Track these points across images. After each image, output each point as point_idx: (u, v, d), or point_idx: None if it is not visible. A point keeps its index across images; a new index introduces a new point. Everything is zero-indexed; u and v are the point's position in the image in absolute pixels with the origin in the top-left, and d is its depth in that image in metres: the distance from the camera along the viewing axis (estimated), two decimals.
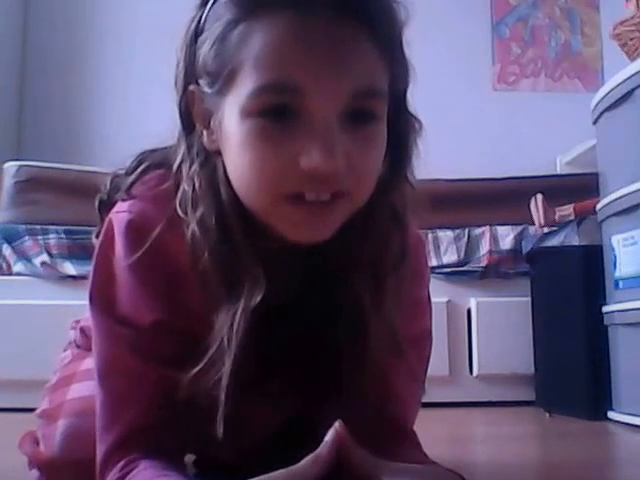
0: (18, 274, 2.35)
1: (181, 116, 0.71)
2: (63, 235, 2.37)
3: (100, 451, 0.69)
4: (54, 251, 2.36)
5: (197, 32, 0.68)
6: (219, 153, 0.68)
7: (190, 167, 0.69)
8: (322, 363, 0.73)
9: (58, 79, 3.18)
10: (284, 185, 0.62)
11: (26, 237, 2.38)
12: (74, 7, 3.23)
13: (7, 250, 2.37)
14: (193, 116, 0.70)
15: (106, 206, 0.76)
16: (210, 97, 0.67)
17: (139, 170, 0.76)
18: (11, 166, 2.51)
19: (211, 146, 0.68)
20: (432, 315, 0.86)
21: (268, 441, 0.88)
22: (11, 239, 2.38)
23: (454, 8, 3.26)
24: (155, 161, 0.76)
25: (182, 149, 0.71)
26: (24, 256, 2.37)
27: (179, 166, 0.71)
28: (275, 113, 0.61)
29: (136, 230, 0.70)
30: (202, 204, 0.68)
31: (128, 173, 0.76)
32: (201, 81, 0.67)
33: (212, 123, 0.68)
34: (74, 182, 2.40)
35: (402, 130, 0.71)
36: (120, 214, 0.72)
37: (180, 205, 0.69)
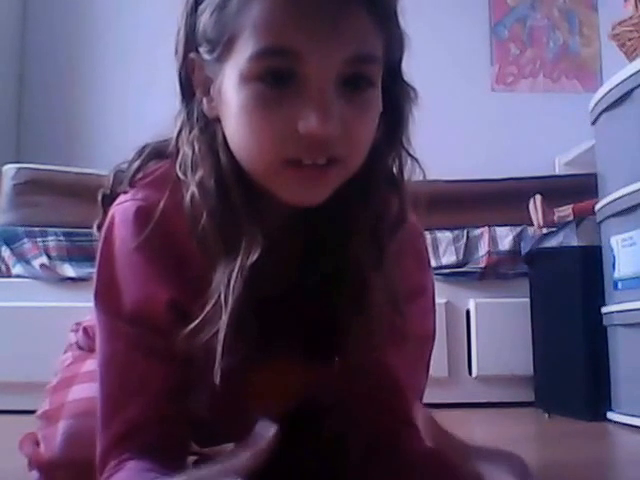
0: (17, 276, 2.35)
1: (181, 83, 0.72)
2: (62, 237, 2.37)
3: (98, 448, 0.69)
4: (53, 253, 2.36)
5: (197, 0, 0.69)
6: (219, 120, 0.69)
7: (190, 132, 0.71)
8: (323, 328, 0.74)
9: (57, 81, 3.19)
10: (283, 150, 0.64)
11: (25, 239, 2.38)
12: (73, 10, 3.24)
13: (6, 252, 2.37)
14: (193, 83, 0.71)
15: (109, 200, 0.76)
16: (210, 64, 0.68)
17: (140, 160, 0.77)
18: (10, 168, 2.51)
19: (211, 113, 0.70)
20: (434, 308, 0.86)
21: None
22: (10, 241, 2.38)
23: (452, 9, 3.27)
24: (156, 151, 0.77)
25: (182, 116, 0.72)
26: (23, 258, 2.37)
27: (179, 133, 0.72)
28: (273, 78, 0.63)
29: (145, 215, 0.71)
30: (202, 167, 0.69)
31: (130, 165, 0.77)
32: (201, 49, 0.69)
33: (212, 90, 0.69)
34: (73, 184, 2.41)
35: (397, 98, 0.72)
36: (123, 204, 0.73)
37: (180, 168, 0.70)
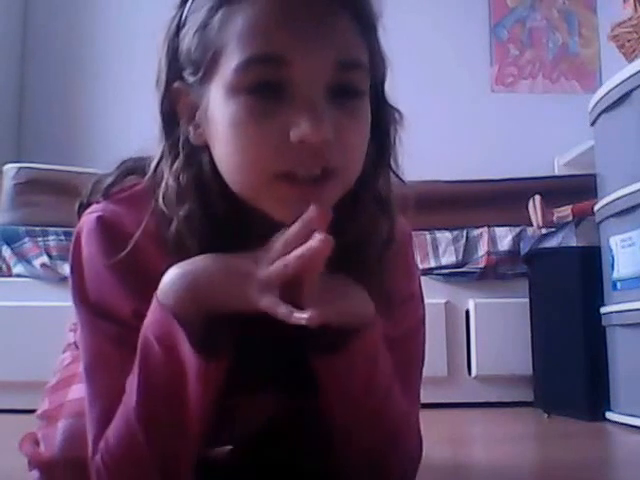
0: (18, 276, 2.35)
1: (163, 115, 0.71)
2: (63, 237, 2.37)
3: (89, 446, 0.70)
4: (54, 253, 2.36)
5: (179, 27, 0.69)
6: (205, 147, 0.69)
7: (173, 163, 0.70)
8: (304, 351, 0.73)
9: (58, 81, 3.19)
10: (276, 163, 0.63)
11: (26, 239, 2.38)
12: (74, 10, 3.24)
13: (7, 252, 2.37)
14: (177, 113, 0.70)
15: (84, 209, 0.77)
16: (195, 87, 0.68)
17: (117, 174, 0.77)
18: (11, 168, 2.51)
19: (197, 140, 0.69)
20: (425, 308, 0.86)
21: (259, 434, 0.89)
22: (11, 241, 2.38)
23: (452, 10, 3.27)
24: (135, 166, 0.77)
25: (162, 147, 0.71)
26: (24, 258, 2.37)
27: (157, 164, 0.71)
28: (261, 88, 0.62)
29: (106, 227, 0.71)
30: (188, 200, 0.68)
31: (106, 177, 0.78)
32: (185, 73, 0.69)
33: (197, 115, 0.68)
34: (74, 184, 2.40)
35: (383, 121, 0.72)
36: (91, 215, 0.74)
37: (163, 200, 0.69)
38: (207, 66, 0.66)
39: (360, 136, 0.67)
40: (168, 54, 0.70)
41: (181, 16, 0.70)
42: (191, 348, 0.63)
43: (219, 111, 0.65)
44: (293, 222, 0.65)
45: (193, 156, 0.69)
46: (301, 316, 0.59)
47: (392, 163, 0.74)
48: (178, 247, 0.68)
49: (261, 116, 0.62)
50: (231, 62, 0.63)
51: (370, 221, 0.73)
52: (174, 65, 0.70)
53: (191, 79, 0.68)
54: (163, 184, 0.70)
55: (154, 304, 0.65)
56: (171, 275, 0.65)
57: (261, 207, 0.67)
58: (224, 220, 0.68)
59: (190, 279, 0.64)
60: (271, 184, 0.64)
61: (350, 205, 0.70)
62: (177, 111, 0.70)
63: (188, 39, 0.67)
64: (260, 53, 0.62)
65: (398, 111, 0.74)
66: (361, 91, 0.66)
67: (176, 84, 0.70)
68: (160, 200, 0.69)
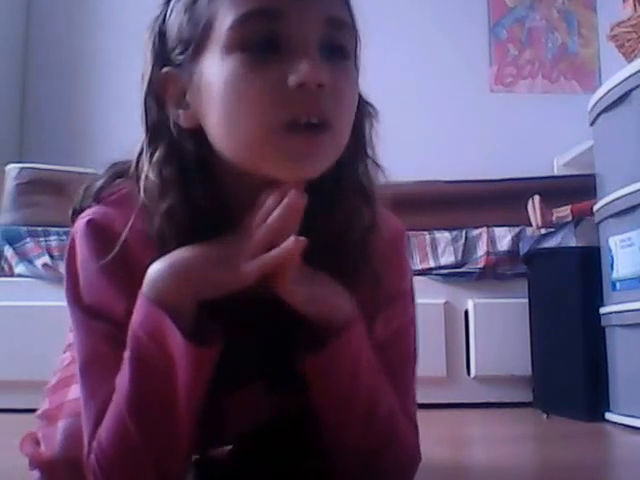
0: (19, 276, 2.36)
1: (147, 107, 0.73)
2: (64, 237, 2.37)
3: (85, 446, 0.70)
4: (55, 253, 2.37)
5: (164, 20, 0.71)
6: (192, 133, 0.69)
7: (153, 156, 0.70)
8: (292, 345, 0.73)
9: (60, 81, 3.19)
10: (275, 110, 0.64)
11: (27, 239, 2.39)
12: (77, 8, 3.24)
13: (9, 252, 2.38)
14: (166, 102, 0.71)
15: (77, 214, 0.78)
16: (185, 66, 0.69)
17: (106, 177, 0.78)
18: (13, 168, 2.52)
19: (188, 122, 0.70)
20: (415, 308, 0.87)
21: (258, 434, 0.89)
22: (13, 241, 2.39)
23: (451, 10, 3.27)
24: (123, 169, 0.78)
25: (145, 139, 0.72)
26: (25, 258, 2.37)
27: (137, 160, 0.72)
28: (257, 42, 0.64)
29: (96, 230, 0.72)
30: (170, 193, 0.69)
31: (95, 182, 0.79)
32: (173, 55, 0.70)
33: (188, 95, 0.69)
34: (76, 184, 2.40)
35: (357, 117, 0.73)
36: (82, 219, 0.75)
37: (145, 193, 0.70)
38: (199, 37, 0.67)
39: (352, 92, 0.69)
40: (154, 46, 0.72)
41: (165, 14, 0.71)
42: (181, 336, 0.64)
43: (215, 74, 0.66)
44: (292, 179, 0.67)
45: (175, 147, 0.70)
46: (290, 242, 0.62)
47: (369, 151, 0.76)
48: (161, 243, 0.69)
49: (258, 68, 0.64)
50: (225, 23, 0.64)
51: (352, 209, 0.74)
52: (161, 53, 0.71)
53: (181, 58, 0.69)
54: (143, 178, 0.70)
55: (140, 301, 0.66)
56: (155, 268, 0.67)
57: (263, 170, 0.67)
58: (206, 214, 0.69)
59: (177, 267, 0.66)
60: (274, 135, 0.64)
61: (331, 193, 0.72)
62: (164, 100, 0.71)
63: (178, 21, 0.69)
64: (254, 7, 0.64)
65: (372, 106, 0.76)
66: (350, 52, 0.69)
67: (164, 70, 0.71)
68: (142, 195, 0.70)
